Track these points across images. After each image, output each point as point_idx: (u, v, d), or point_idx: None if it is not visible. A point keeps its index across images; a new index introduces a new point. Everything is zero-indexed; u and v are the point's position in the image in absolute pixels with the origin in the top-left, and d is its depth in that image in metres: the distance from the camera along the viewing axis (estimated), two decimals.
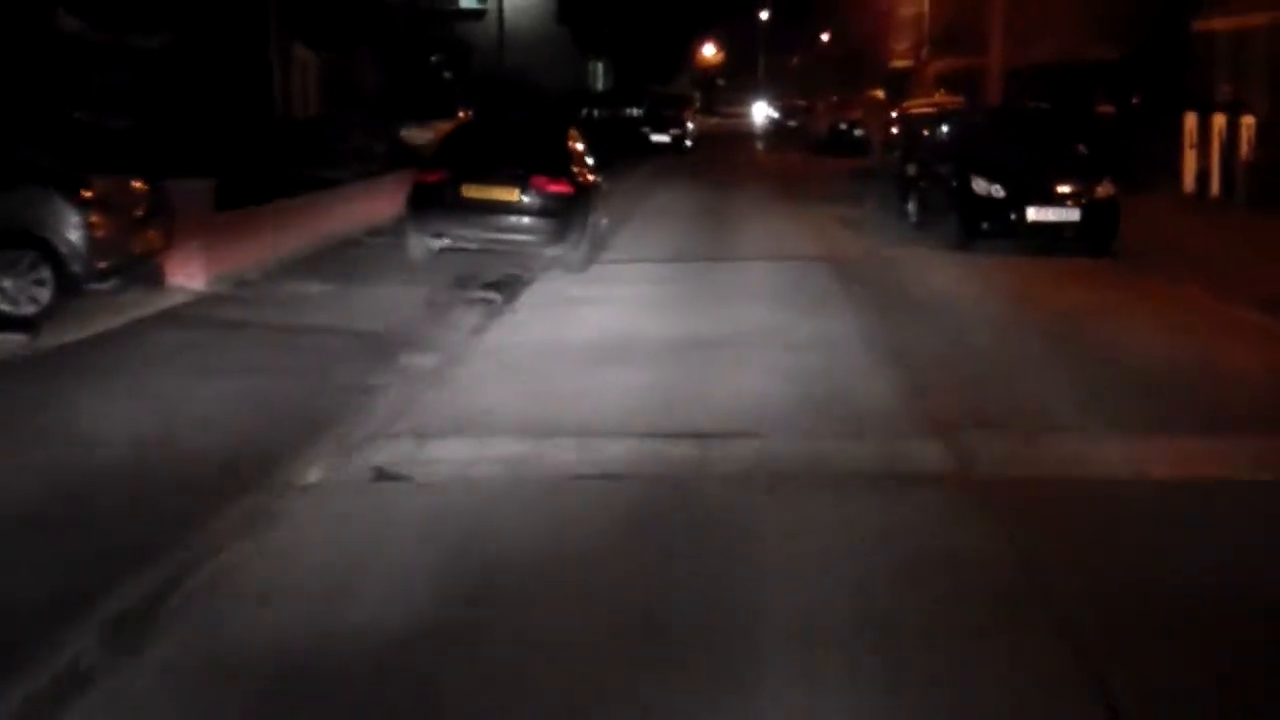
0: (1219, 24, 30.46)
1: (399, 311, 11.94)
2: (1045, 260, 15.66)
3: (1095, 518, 6.35)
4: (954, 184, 16.82)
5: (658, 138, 43.28)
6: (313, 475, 6.99)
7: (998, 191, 16.26)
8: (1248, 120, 19.38)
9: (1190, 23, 30.96)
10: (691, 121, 50.51)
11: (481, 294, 13.06)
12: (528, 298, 13.16)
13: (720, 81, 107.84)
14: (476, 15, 49.62)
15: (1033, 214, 16.10)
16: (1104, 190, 16.21)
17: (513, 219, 14.49)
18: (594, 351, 10.31)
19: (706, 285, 14.06)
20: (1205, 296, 12.90)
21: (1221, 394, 8.91)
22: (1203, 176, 20.92)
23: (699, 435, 7.71)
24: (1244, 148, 19.24)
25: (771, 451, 7.39)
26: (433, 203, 14.56)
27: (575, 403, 8.59)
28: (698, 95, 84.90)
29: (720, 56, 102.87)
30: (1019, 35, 31.96)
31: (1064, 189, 16.22)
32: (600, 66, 73.18)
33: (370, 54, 37.55)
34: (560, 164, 14.97)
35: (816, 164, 36.80)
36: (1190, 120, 21.23)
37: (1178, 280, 13.80)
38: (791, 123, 63.50)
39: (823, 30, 77.39)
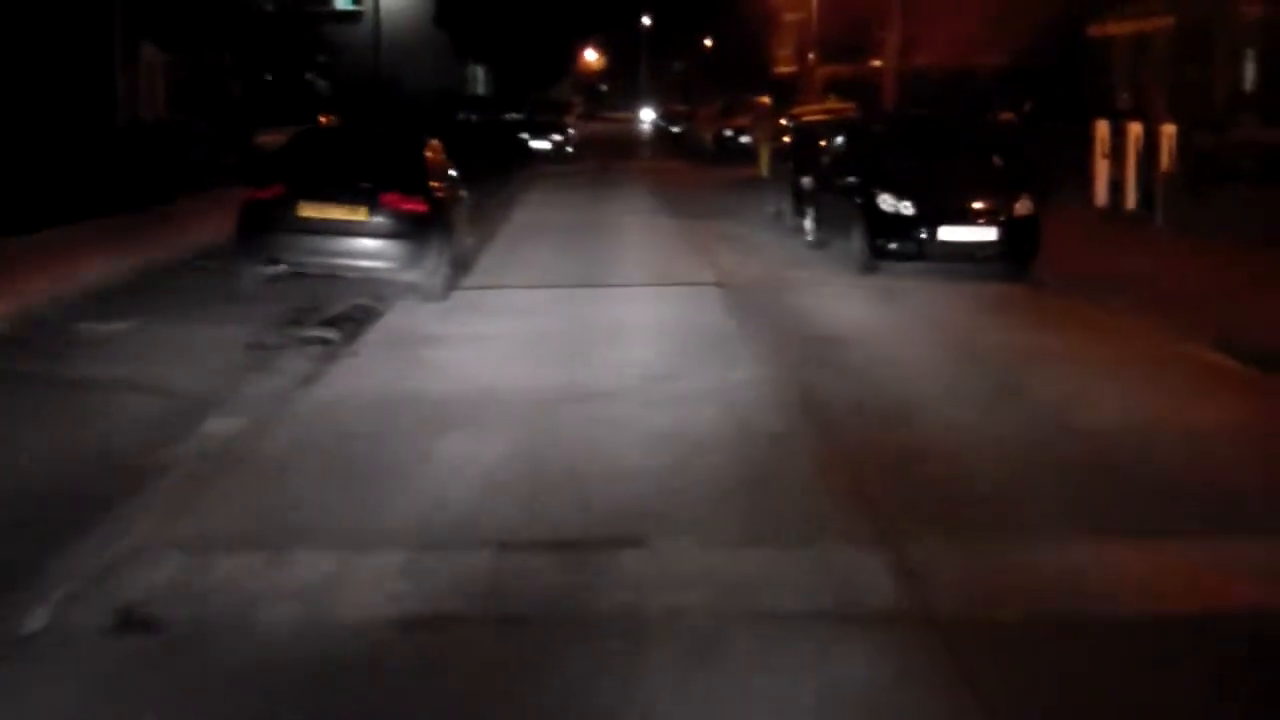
0: (1115, 29, 29.46)
1: (214, 357, 9.98)
2: (961, 284, 14.02)
3: (1111, 683, 4.63)
4: (857, 200, 15.13)
5: (538, 144, 41.42)
6: (36, 620, 5.06)
7: (906, 208, 14.59)
8: (1168, 129, 17.97)
9: (1085, 28, 29.95)
10: (573, 127, 48.94)
11: (318, 332, 11.12)
12: (373, 336, 11.21)
13: (603, 87, 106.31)
14: (352, 18, 47.55)
15: (945, 233, 14.45)
16: (1023, 207, 14.62)
17: (360, 242, 12.49)
18: (443, 410, 8.43)
19: (583, 318, 12.22)
20: (1149, 330, 11.35)
21: (1212, 470, 7.24)
22: (1115, 189, 19.53)
23: (567, 544, 5.89)
24: (1165, 159, 17.83)
25: (663, 571, 5.57)
26: (266, 224, 12.47)
27: (410, 492, 6.71)
28: (580, 101, 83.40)
29: (603, 62, 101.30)
30: (910, 40, 30.70)
31: (979, 205, 14.64)
32: (480, 71, 71.19)
33: (230, 56, 35.23)
34: (415, 179, 12.99)
35: (702, 173, 35.11)
36: (1102, 129, 19.81)
37: (1115, 311, 12.24)
38: (674, 129, 61.90)
39: (705, 35, 75.91)
